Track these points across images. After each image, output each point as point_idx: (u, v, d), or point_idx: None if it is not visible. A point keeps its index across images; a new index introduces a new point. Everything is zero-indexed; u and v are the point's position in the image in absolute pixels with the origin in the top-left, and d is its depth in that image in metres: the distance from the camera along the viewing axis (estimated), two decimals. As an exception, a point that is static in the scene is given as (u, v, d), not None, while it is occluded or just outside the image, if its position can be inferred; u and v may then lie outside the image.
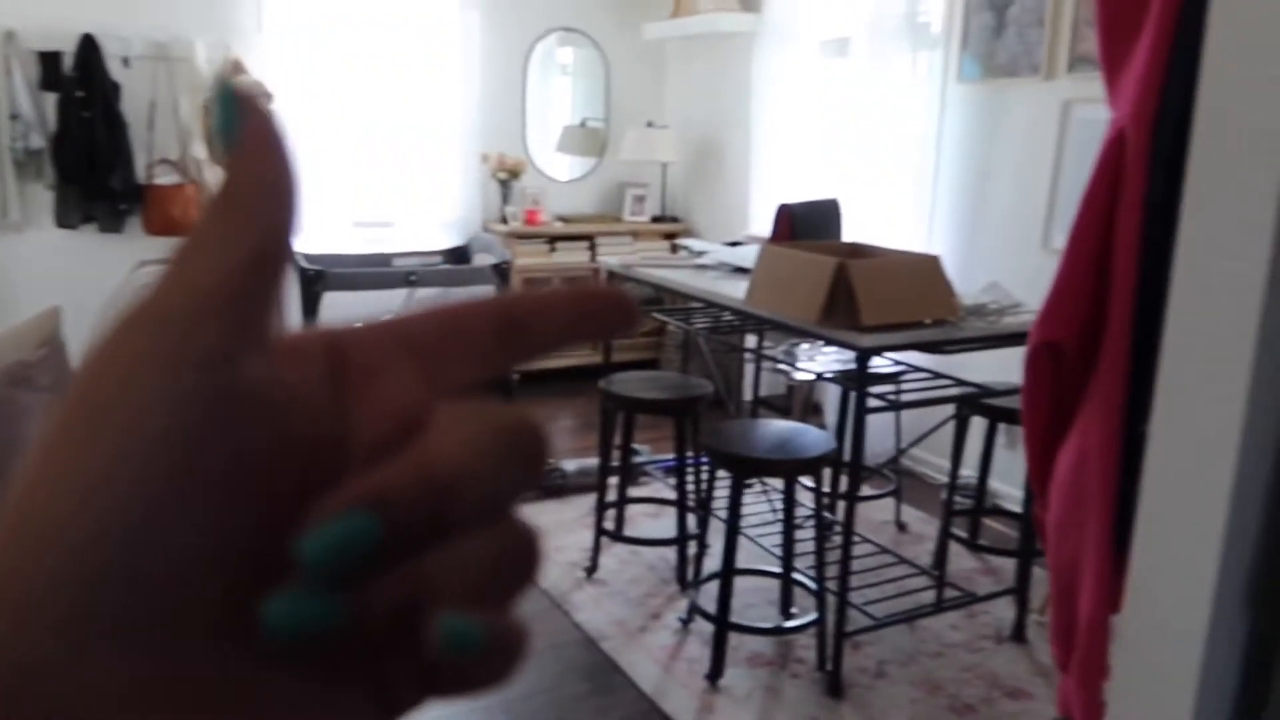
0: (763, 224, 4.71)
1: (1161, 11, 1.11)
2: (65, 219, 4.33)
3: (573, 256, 5.18)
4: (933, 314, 2.38)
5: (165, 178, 4.48)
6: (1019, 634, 2.69)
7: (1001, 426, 3.20)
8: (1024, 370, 1.29)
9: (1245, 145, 1.00)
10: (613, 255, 5.26)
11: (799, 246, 2.61)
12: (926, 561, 3.07)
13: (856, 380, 2.32)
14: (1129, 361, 1.15)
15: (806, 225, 2.91)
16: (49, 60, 4.28)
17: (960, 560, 3.12)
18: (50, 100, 4.27)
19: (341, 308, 4.56)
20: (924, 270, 2.39)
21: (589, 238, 5.23)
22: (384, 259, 4.90)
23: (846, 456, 2.83)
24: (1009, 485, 3.48)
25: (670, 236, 5.41)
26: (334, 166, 4.89)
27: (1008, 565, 3.03)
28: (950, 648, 2.64)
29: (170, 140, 4.49)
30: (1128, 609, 1.11)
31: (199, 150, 4.50)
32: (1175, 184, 1.07)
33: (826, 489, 3.27)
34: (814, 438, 2.49)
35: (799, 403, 4.05)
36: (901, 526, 3.45)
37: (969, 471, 3.11)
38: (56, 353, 2.20)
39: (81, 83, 4.25)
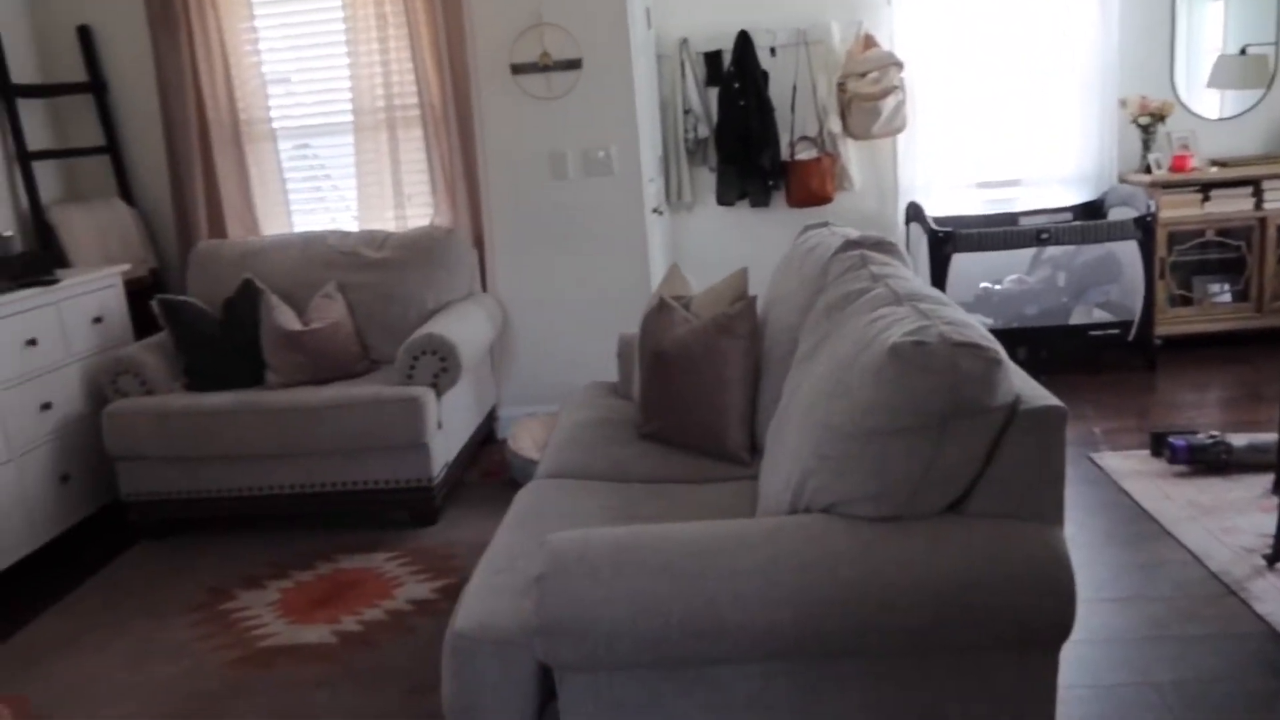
0: None
1: None
2: (724, 197, 4.95)
3: (1231, 205, 4.53)
4: None
5: (805, 153, 4.89)
6: None
7: None
8: None
9: None
10: (1284, 201, 4.50)
11: None
12: None
13: None
14: None
15: None
16: (711, 59, 4.92)
17: None
18: (712, 93, 4.92)
19: (968, 268, 4.57)
20: None
21: (1253, 182, 4.52)
22: (1010, 218, 4.79)
23: None
24: None
25: (1368, 174, 4.45)
26: (961, 129, 4.89)
27: None
28: None
29: (809, 118, 4.88)
30: None
31: (834, 124, 4.82)
32: None
33: None
34: None
35: None
36: None
37: None
38: (749, 306, 2.54)
39: (737, 75, 4.81)
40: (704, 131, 4.92)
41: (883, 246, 2.26)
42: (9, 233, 3.67)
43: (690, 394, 2.51)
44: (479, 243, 4.22)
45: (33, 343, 3.39)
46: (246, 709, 2.45)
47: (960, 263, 4.46)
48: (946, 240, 4.40)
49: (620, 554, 1.56)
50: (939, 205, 4.92)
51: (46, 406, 3.44)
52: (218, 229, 4.36)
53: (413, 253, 3.88)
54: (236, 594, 3.11)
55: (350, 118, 4.24)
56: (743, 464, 2.46)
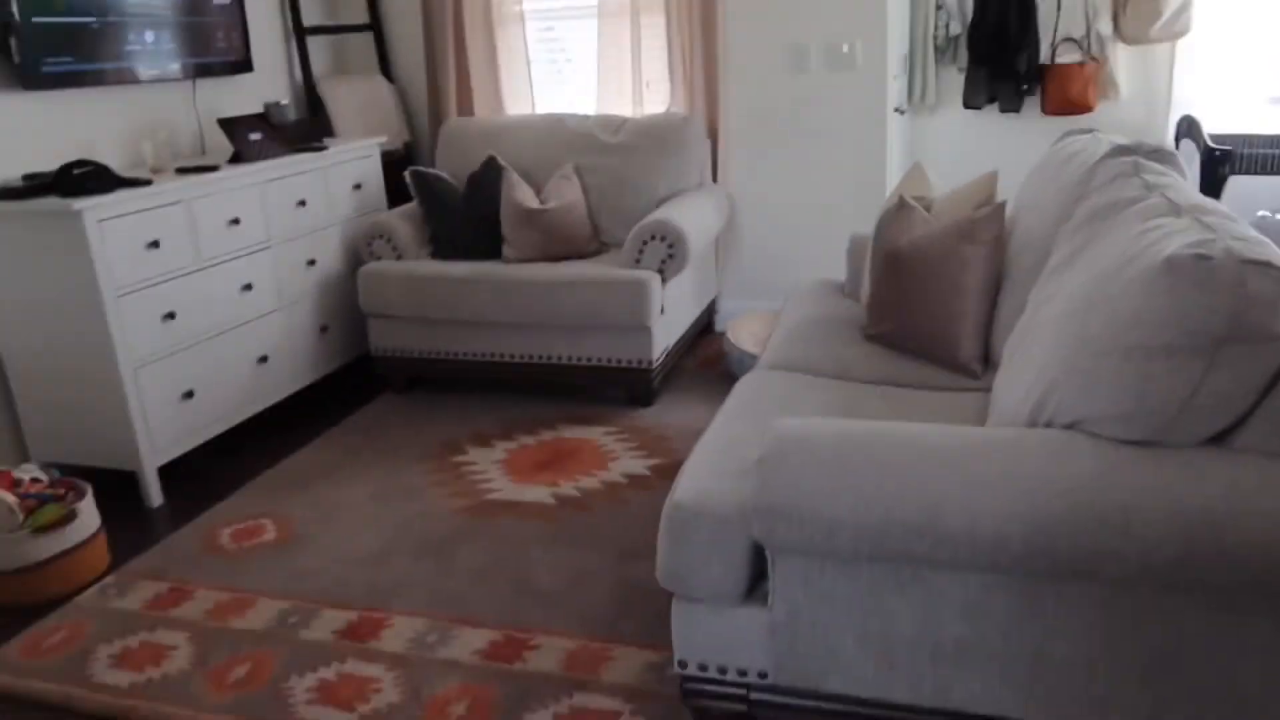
0: None
1: None
2: (971, 99, 4.66)
3: None
4: None
5: (1067, 56, 4.50)
6: None
7: None
8: None
9: None
10: None
11: None
12: None
13: None
14: None
15: None
16: (975, -52, 4.56)
17: None
18: (971, -13, 4.58)
19: (1247, 192, 4.12)
20: None
21: None
22: (1304, 139, 4.25)
23: None
24: None
25: None
26: (1255, 34, 4.34)
27: None
28: None
29: (1076, 17, 4.47)
30: None
31: (1104, 25, 4.40)
32: None
33: None
34: None
35: None
36: None
37: None
38: (996, 212, 2.41)
39: (1002, -34, 4.44)
40: (956, 29, 4.62)
41: (1160, 155, 2.07)
42: (285, 101, 3.98)
43: (924, 299, 2.43)
44: (713, 133, 4.19)
45: (302, 204, 3.70)
46: (471, 553, 2.67)
47: (1237, 186, 4.03)
48: (1224, 160, 3.96)
49: (846, 446, 1.56)
50: (1218, 122, 4.42)
51: (311, 263, 3.77)
52: (466, 107, 4.55)
53: (648, 139, 3.91)
54: (466, 449, 3.35)
55: (595, 3, 4.27)
56: (973, 376, 2.37)
